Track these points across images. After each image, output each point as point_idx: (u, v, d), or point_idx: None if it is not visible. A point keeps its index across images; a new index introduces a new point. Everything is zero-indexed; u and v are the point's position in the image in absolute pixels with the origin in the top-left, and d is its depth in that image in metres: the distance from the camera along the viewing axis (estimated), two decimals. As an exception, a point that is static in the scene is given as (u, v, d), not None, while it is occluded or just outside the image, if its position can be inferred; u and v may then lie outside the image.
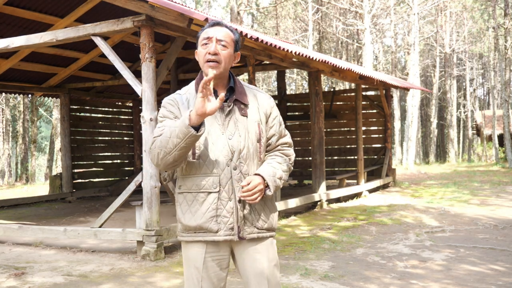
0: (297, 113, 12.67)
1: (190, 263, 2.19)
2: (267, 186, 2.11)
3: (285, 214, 8.15)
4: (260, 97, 2.25)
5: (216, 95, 2.12)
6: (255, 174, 2.12)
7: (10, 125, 26.47)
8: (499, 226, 6.94)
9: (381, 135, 12.59)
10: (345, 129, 12.72)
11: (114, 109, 12.47)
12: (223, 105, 2.13)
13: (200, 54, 2.13)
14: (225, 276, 2.22)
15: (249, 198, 2.06)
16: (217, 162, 2.10)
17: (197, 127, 1.98)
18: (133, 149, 12.67)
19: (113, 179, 12.20)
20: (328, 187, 10.26)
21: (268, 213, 2.20)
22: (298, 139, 12.65)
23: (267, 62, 10.78)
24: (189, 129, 1.95)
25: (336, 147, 12.76)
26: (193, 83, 2.23)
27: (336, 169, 12.51)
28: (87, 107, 11.94)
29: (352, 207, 9.21)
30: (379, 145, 12.63)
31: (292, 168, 2.31)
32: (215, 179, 2.10)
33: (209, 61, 2.09)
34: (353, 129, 12.18)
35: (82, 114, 12.09)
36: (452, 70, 31.60)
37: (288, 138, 2.31)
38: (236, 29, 2.23)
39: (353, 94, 12.46)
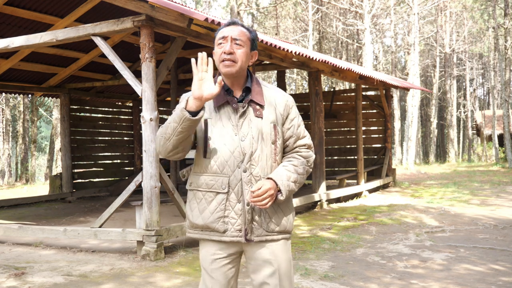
0: (297, 113, 12.66)
1: (201, 263, 2.21)
2: (279, 191, 2.07)
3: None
4: (278, 98, 2.19)
5: (231, 95, 2.12)
6: (267, 178, 2.07)
7: (10, 125, 26.47)
8: (499, 226, 6.94)
9: (381, 135, 12.60)
10: (345, 129, 12.73)
11: (114, 109, 12.46)
12: (238, 106, 2.11)
13: (216, 54, 2.12)
14: (234, 276, 2.20)
15: (259, 204, 2.02)
16: (227, 163, 2.08)
17: (196, 113, 1.97)
18: (133, 149, 12.67)
19: (113, 179, 12.20)
20: (328, 187, 10.26)
21: (281, 216, 2.15)
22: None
23: (267, 62, 10.78)
24: (184, 112, 1.95)
25: (336, 147, 12.77)
26: None
27: (336, 169, 12.51)
28: (87, 107, 11.94)
29: (352, 207, 9.21)
30: (379, 145, 12.63)
31: (310, 170, 2.24)
32: (224, 179, 2.08)
33: (225, 61, 2.07)
34: (353, 129, 12.18)
35: (82, 114, 12.09)
36: (452, 70, 31.60)
37: (307, 140, 2.24)
38: (253, 29, 2.20)
39: (353, 94, 12.46)
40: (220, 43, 2.10)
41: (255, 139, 2.09)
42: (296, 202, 8.05)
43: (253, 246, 2.13)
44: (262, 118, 2.12)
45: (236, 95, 2.14)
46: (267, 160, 2.11)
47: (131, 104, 12.93)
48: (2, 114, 25.29)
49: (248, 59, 2.14)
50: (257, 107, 2.12)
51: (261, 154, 2.10)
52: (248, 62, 2.14)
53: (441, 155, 38.98)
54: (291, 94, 14.17)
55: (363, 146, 11.63)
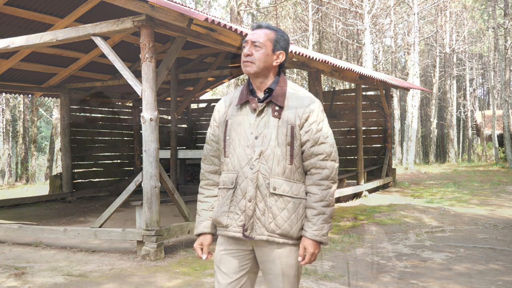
0: (297, 113, 12.65)
1: (214, 259, 2.27)
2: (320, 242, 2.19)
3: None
4: (301, 100, 2.18)
5: (254, 95, 2.21)
6: (304, 237, 2.15)
7: (10, 125, 26.46)
8: (499, 226, 6.94)
9: (381, 135, 12.59)
10: (345, 129, 12.72)
11: (114, 109, 12.46)
12: (256, 106, 2.17)
13: (241, 57, 2.23)
14: (247, 273, 2.21)
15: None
16: (239, 160, 2.15)
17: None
18: (133, 149, 12.67)
19: (113, 179, 12.20)
20: (328, 187, 10.24)
21: (285, 219, 2.12)
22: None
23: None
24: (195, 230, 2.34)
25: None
26: (241, 88, 2.26)
27: (336, 169, 12.48)
28: (87, 107, 11.94)
29: (352, 207, 9.21)
30: (379, 145, 12.62)
31: (335, 186, 2.18)
32: (233, 176, 2.16)
33: (244, 62, 2.19)
34: (353, 129, 12.18)
35: (82, 114, 12.09)
36: (452, 70, 31.59)
37: (326, 147, 2.16)
38: (278, 28, 2.26)
39: (353, 94, 12.46)
40: (244, 47, 2.21)
41: (267, 138, 2.13)
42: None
43: (260, 245, 2.16)
44: (279, 118, 2.15)
45: (259, 95, 2.21)
46: (279, 161, 2.13)
47: (131, 104, 12.92)
48: (2, 114, 25.28)
49: (270, 59, 2.18)
50: (276, 107, 2.16)
51: (271, 154, 2.13)
52: (272, 62, 2.19)
53: (441, 155, 38.97)
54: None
55: (363, 146, 11.63)
